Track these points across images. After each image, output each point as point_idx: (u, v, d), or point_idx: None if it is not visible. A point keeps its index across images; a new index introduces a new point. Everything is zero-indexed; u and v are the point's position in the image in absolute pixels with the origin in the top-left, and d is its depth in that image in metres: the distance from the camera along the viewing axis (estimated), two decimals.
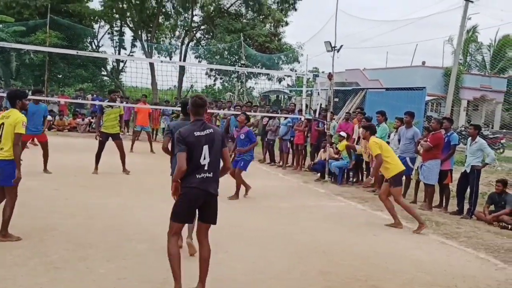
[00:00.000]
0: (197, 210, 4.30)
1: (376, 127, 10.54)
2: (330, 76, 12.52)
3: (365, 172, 11.60)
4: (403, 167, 7.70)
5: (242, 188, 8.95)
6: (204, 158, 4.19)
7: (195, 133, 4.20)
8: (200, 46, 34.90)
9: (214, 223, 4.35)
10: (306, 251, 5.88)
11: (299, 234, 6.64)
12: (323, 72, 34.43)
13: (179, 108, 16.77)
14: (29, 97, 11.92)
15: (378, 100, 22.18)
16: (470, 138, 9.00)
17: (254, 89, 33.61)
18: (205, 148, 4.19)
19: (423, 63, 31.60)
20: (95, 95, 23.70)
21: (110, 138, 10.48)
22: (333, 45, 13.28)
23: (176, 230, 4.29)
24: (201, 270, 4.29)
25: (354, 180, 11.73)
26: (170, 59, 33.43)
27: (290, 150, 13.82)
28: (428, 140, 9.03)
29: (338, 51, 13.39)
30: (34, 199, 7.41)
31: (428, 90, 22.60)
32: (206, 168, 4.20)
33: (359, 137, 11.61)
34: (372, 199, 9.59)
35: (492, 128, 27.89)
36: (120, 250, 5.37)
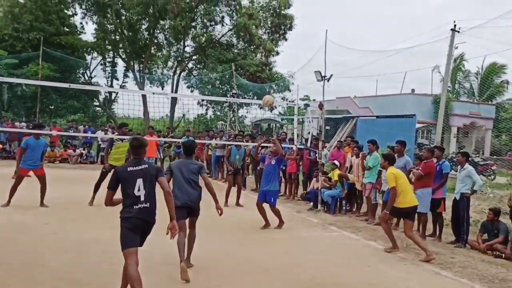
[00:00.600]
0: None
1: (368, 156, 10.67)
2: (321, 106, 12.64)
3: (358, 201, 11.59)
4: (412, 204, 7.78)
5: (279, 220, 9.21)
6: (139, 190, 4.64)
7: (128, 168, 4.72)
8: (192, 76, 35.20)
9: (141, 246, 4.77)
10: (300, 284, 5.82)
11: (293, 267, 6.57)
12: (314, 100, 34.83)
13: (177, 140, 16.72)
14: (29, 131, 11.98)
15: (369, 127, 22.35)
16: (459, 166, 9.08)
17: (246, 117, 33.82)
18: (139, 181, 4.65)
19: (413, 90, 32.06)
20: (87, 127, 23.68)
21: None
22: (323, 75, 13.47)
23: (129, 256, 4.56)
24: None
25: (347, 209, 11.70)
26: (162, 89, 33.72)
27: (283, 179, 13.82)
28: (420, 168, 9.08)
29: (328, 80, 13.57)
30: (23, 234, 7.33)
31: (418, 117, 22.86)
32: (142, 199, 4.64)
33: (351, 166, 11.66)
34: (365, 229, 9.56)
35: (483, 154, 28.11)
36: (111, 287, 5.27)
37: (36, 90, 25.55)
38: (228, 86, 30.81)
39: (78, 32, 33.46)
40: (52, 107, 30.47)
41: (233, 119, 28.99)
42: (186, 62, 35.34)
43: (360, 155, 11.01)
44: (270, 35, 33.59)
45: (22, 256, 6.20)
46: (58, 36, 30.05)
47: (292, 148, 13.43)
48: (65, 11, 32.46)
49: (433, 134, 24.89)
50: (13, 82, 23.48)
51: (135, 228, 4.61)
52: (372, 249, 8.01)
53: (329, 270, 6.57)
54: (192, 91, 32.99)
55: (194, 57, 35.66)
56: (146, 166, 4.76)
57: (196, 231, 6.14)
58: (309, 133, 14.73)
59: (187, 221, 6.04)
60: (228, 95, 27.74)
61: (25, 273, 5.55)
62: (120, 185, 4.66)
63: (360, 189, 11.15)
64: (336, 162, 11.73)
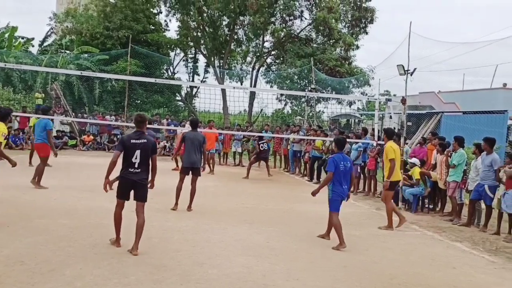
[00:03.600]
0: None
1: (453, 154, 10.16)
2: (403, 101, 12.21)
3: (442, 200, 11.09)
4: (399, 178, 9.21)
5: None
6: (136, 158, 6.08)
7: (131, 140, 6.10)
8: (271, 71, 35.37)
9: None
10: (380, 284, 5.68)
11: (373, 265, 6.43)
12: (394, 95, 33.66)
13: (253, 134, 17.01)
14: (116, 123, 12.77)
15: (454, 124, 21.30)
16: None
17: (323, 113, 33.41)
18: (137, 152, 6.08)
19: (504, 85, 29.99)
20: (169, 120, 24.66)
21: None
22: (406, 69, 13.02)
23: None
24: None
25: (431, 208, 11.24)
26: (241, 84, 34.22)
27: (361, 175, 13.56)
28: None
29: (411, 74, 13.10)
30: (106, 219, 7.67)
31: (510, 113, 21.36)
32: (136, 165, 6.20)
33: (435, 164, 11.17)
34: (449, 229, 9.15)
35: None
36: (193, 275, 5.47)
37: (124, 85, 27.00)
38: (306, 81, 30.65)
39: (163, 30, 34.87)
40: (139, 101, 32.04)
41: (310, 114, 28.82)
42: (265, 57, 35.59)
43: (445, 153, 10.52)
44: (350, 28, 32.91)
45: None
46: (144, 33, 31.53)
47: (373, 144, 13.10)
48: (151, 9, 33.98)
49: None
50: (104, 77, 25.08)
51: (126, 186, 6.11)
52: (457, 250, 7.65)
53: (411, 270, 6.36)
54: (271, 86, 33.19)
55: (273, 52, 35.81)
56: (145, 140, 6.04)
57: None
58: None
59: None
60: (307, 90, 27.59)
61: (115, 258, 5.91)
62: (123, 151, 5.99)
63: (443, 187, 10.65)
64: (413, 160, 11.32)
